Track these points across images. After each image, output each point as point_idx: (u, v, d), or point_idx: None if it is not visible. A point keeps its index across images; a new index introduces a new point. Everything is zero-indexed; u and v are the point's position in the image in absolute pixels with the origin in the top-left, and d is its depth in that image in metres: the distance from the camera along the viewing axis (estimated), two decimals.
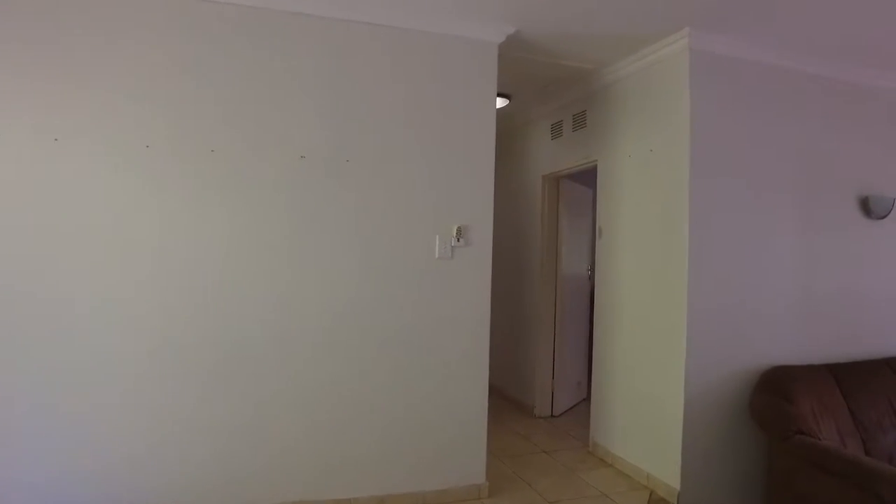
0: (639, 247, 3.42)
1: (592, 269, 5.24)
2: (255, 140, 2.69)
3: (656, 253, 3.27)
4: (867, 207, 3.47)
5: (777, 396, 2.93)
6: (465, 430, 3.01)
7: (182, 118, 2.58)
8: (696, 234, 3.03)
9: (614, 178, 3.67)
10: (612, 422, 3.62)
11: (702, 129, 3.05)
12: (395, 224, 2.87)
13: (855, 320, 3.45)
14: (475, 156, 3.02)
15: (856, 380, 3.19)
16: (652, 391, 3.27)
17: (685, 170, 3.05)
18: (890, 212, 3.51)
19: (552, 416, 4.66)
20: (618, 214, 3.62)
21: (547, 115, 4.58)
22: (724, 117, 3.11)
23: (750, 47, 3.11)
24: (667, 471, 3.12)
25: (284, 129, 2.73)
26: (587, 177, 4.79)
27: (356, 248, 2.81)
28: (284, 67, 2.73)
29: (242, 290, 2.66)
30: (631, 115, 3.52)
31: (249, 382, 2.66)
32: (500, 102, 4.47)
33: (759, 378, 3.12)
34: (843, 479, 2.49)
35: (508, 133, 5.29)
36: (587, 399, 5.06)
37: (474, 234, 3.00)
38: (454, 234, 2.94)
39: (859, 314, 3.47)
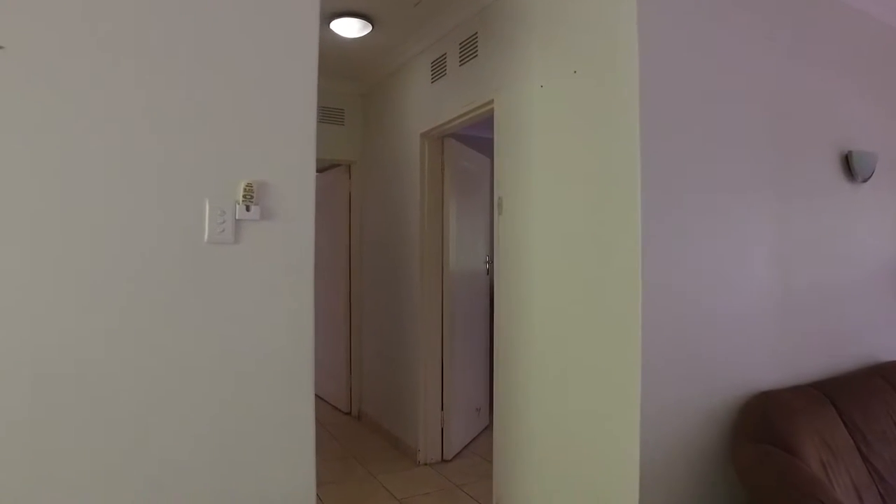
0: (558, 224, 2.27)
1: (492, 260, 4.11)
2: None
3: (587, 232, 2.13)
4: (850, 167, 2.57)
5: (773, 444, 1.89)
6: None
7: None
8: (653, 201, 1.91)
9: (519, 121, 2.49)
10: (526, 480, 2.45)
11: (653, 40, 1.93)
12: (118, 178, 1.48)
13: (837, 317, 2.53)
14: (283, 66, 1.70)
15: (855, 404, 2.25)
16: (588, 439, 2.13)
17: (633, 98, 1.92)
18: (873, 173, 2.64)
19: (443, 460, 3.45)
20: (525, 176, 2.45)
21: (427, 50, 3.34)
22: (681, 28, 2.02)
23: None
24: None
25: None
26: (484, 145, 3.64)
27: (36, 233, 1.39)
28: None
29: None
30: (543, 28, 2.36)
31: None
32: (361, 28, 3.17)
33: (739, 413, 2.08)
34: None
35: (380, 83, 4.01)
36: (490, 427, 3.93)
37: (281, 200, 1.68)
38: (240, 199, 1.61)
39: (841, 309, 2.56)
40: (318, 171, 5.16)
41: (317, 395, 5.15)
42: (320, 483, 3.16)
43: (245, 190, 1.61)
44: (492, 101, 2.66)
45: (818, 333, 2.44)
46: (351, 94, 4.29)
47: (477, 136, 4.22)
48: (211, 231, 1.57)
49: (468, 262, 3.71)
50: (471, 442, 3.73)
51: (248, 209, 1.61)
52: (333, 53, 3.59)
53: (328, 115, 4.22)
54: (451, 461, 3.44)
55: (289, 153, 1.69)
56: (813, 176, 2.45)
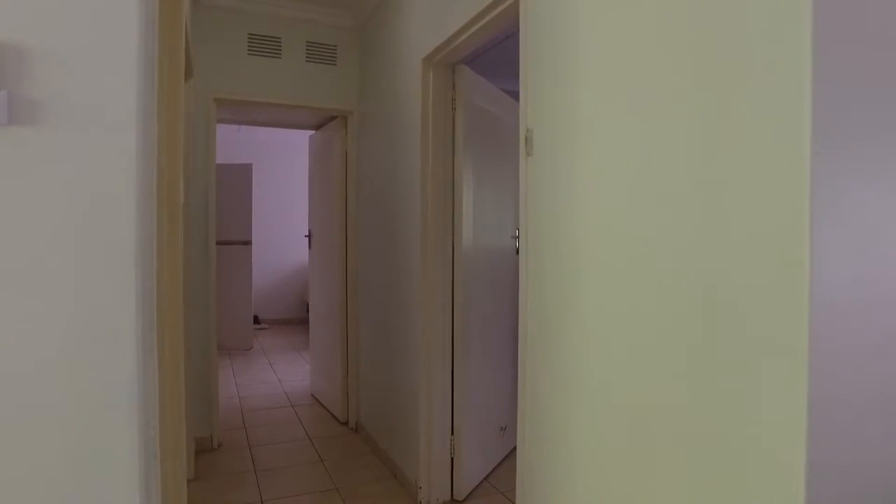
0: (629, 169, 1.35)
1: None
2: None
3: (687, 182, 1.21)
4: None
5: None
6: None
7: None
8: (838, 119, 0.97)
9: (561, 9, 1.57)
10: None
11: None
12: None
13: None
14: None
15: None
16: None
17: None
18: None
19: (453, 499, 2.60)
20: (570, 94, 1.53)
21: None
22: None
23: None
24: None
25: None
26: (516, 98, 2.68)
27: None
28: None
29: None
30: None
31: None
32: None
33: None
34: None
35: (378, 7, 3.12)
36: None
37: (68, 84, 0.83)
38: None
39: None
40: (314, 127, 4.32)
41: (315, 399, 4.36)
42: None
43: None
44: None
45: None
46: (344, 27, 3.43)
47: (507, 89, 3.25)
48: None
49: (490, 238, 2.81)
50: (492, 472, 2.87)
51: None
52: None
53: (317, 53, 3.37)
54: (463, 502, 2.59)
55: None
56: None
